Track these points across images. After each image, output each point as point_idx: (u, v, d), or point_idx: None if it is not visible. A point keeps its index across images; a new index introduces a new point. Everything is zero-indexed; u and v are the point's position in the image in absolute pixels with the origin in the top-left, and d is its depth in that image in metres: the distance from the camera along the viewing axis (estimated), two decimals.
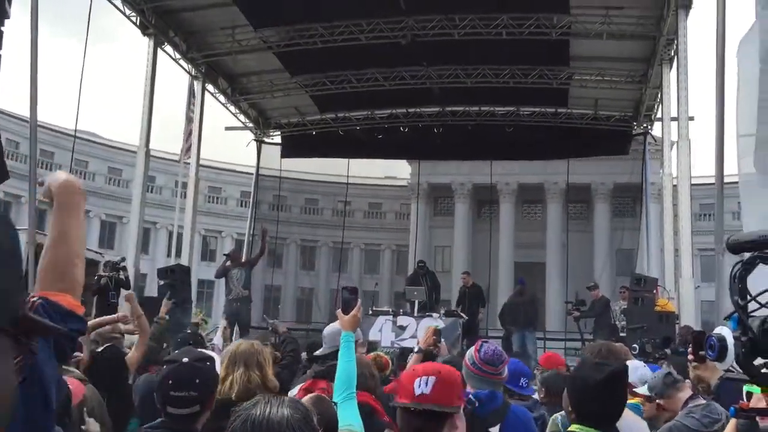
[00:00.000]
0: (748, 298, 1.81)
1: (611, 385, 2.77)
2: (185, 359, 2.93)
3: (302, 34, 15.76)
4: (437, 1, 14.60)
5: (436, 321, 13.64)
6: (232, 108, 19.38)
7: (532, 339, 14.20)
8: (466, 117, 19.14)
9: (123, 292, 13.49)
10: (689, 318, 12.39)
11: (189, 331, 6.03)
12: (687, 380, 4.11)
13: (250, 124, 20.39)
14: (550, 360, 6.20)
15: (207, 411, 2.91)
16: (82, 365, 4.54)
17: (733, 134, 10.06)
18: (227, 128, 20.84)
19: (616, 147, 19.36)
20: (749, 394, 2.20)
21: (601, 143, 19.32)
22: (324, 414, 2.95)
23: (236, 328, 13.45)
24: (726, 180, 12.96)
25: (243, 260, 14.40)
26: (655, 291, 13.18)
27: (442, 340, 14.10)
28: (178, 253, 19.99)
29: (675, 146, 14.22)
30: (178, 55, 16.47)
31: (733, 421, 2.46)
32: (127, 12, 14.86)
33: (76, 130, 17.50)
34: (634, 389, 4.69)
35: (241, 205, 44.56)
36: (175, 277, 13.99)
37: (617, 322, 13.93)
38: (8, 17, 3.97)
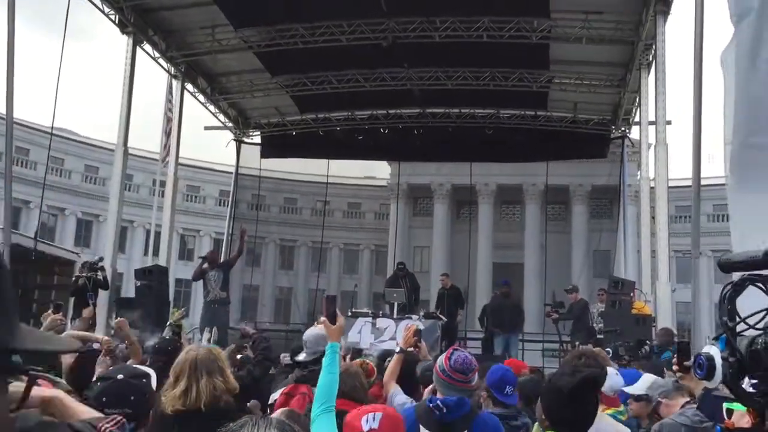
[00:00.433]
0: (737, 319, 1.83)
1: (583, 392, 2.79)
2: (120, 376, 2.91)
3: (283, 35, 15.69)
4: (418, 3, 14.62)
5: (414, 323, 13.67)
6: (211, 107, 19.25)
7: (515, 342, 14.26)
8: (446, 119, 19.20)
9: (101, 292, 13.42)
10: (666, 321, 12.51)
11: (166, 336, 5.95)
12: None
13: (230, 124, 20.27)
14: (513, 365, 6.18)
15: (142, 428, 2.89)
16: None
17: (709, 138, 10.16)
18: (206, 128, 20.69)
19: (594, 150, 19.53)
20: (729, 411, 2.23)
21: (580, 146, 19.47)
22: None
23: (215, 330, 13.38)
24: (702, 182, 13.16)
25: (220, 261, 14.29)
26: (632, 294, 13.31)
27: (422, 340, 14.14)
28: (156, 253, 19.82)
29: (652, 149, 14.38)
30: (157, 54, 16.32)
31: None
32: (106, 10, 14.69)
33: (52, 128, 17.30)
34: (624, 389, 4.73)
35: (220, 204, 44.32)
36: (153, 278, 13.88)
37: (595, 325, 14.05)
38: None
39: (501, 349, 13.90)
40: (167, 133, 19.21)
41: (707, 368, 1.85)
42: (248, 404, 5.18)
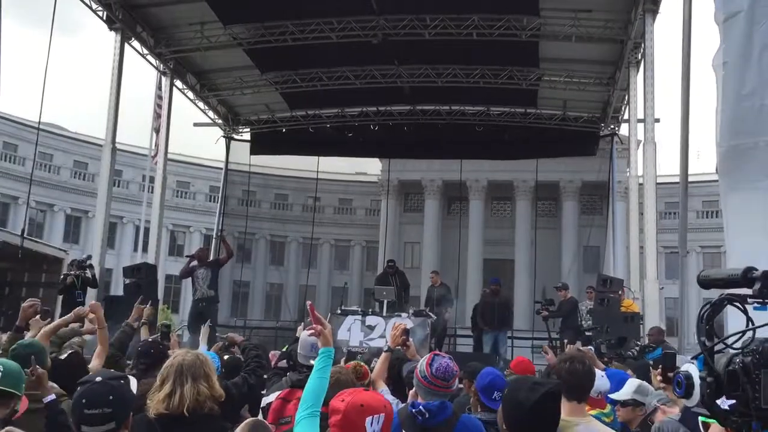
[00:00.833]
0: (715, 340, 1.85)
1: (544, 405, 2.82)
2: (98, 378, 2.95)
3: (272, 32, 15.63)
4: (408, 1, 14.60)
5: (404, 321, 13.69)
6: (200, 104, 19.16)
7: (504, 339, 14.29)
8: (436, 116, 19.19)
9: (89, 290, 13.36)
10: (654, 318, 12.57)
11: (150, 338, 5.92)
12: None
13: (219, 121, 20.19)
14: (521, 365, 6.18)
15: (124, 429, 2.91)
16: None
17: (698, 135, 10.24)
18: (196, 124, 20.62)
19: (584, 148, 19.57)
20: (705, 425, 2.25)
21: (570, 144, 19.51)
22: None
23: (203, 328, 13.34)
24: (689, 179, 13.18)
25: (209, 259, 14.22)
26: (621, 292, 13.37)
27: (411, 338, 14.14)
28: (145, 249, 19.77)
29: (641, 147, 14.44)
30: (145, 51, 16.24)
31: None
32: (94, 6, 14.60)
33: (39, 122, 17.16)
34: (611, 396, 4.73)
35: (210, 200, 44.23)
36: (141, 276, 13.83)
37: (583, 322, 14.11)
38: None
39: (489, 347, 13.93)
40: (156, 130, 19.14)
41: (685, 387, 1.87)
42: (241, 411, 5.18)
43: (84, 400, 2.83)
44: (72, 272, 13.09)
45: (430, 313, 14.18)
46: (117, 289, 22.87)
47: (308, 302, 3.59)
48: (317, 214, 40.66)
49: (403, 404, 4.13)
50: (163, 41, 16.30)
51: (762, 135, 9.16)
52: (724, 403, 1.81)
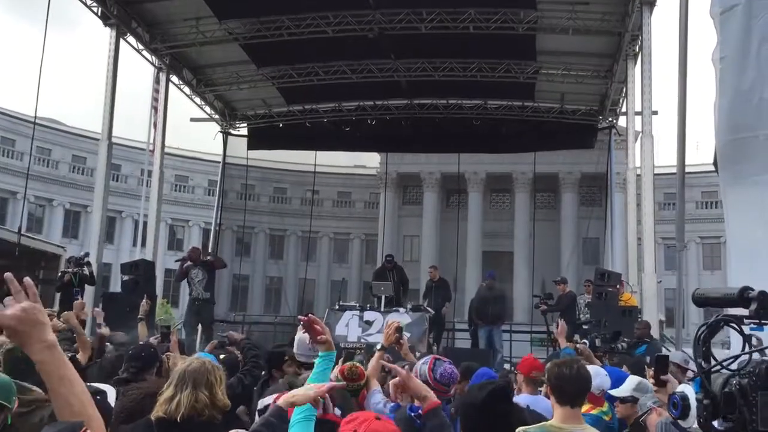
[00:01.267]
0: (712, 362, 1.82)
1: (493, 404, 2.82)
2: None
3: (268, 26, 15.57)
4: None
5: (402, 316, 13.68)
6: (197, 99, 19.09)
7: (498, 333, 14.25)
8: (433, 110, 19.14)
9: (87, 287, 13.34)
10: (651, 312, 12.60)
11: (143, 343, 5.90)
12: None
13: (216, 116, 20.13)
14: (526, 364, 6.08)
15: None
16: None
17: (697, 127, 10.17)
18: (192, 120, 20.58)
19: (582, 140, 19.53)
20: None
21: (567, 137, 19.46)
22: None
23: (199, 327, 13.39)
24: (688, 170, 13.14)
25: (202, 259, 14.11)
26: (619, 285, 13.36)
27: (407, 335, 14.13)
28: (144, 243, 19.76)
29: (639, 139, 14.41)
30: (140, 46, 16.18)
31: None
32: (88, 2, 14.53)
33: (35, 117, 17.11)
34: (610, 392, 4.71)
35: (209, 194, 44.14)
36: (139, 272, 13.78)
37: (582, 316, 14.11)
38: None
39: (484, 342, 13.90)
40: (154, 125, 19.11)
41: (681, 408, 1.85)
42: (236, 411, 5.16)
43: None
44: (69, 270, 13.07)
45: (428, 308, 14.18)
46: (116, 283, 22.87)
47: (303, 318, 3.55)
48: (316, 208, 40.62)
49: (393, 403, 4.12)
50: (159, 37, 16.23)
51: (761, 129, 9.12)
52: (721, 424, 1.78)
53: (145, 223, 22.25)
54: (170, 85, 17.76)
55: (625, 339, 9.14)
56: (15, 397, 3.62)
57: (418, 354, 11.75)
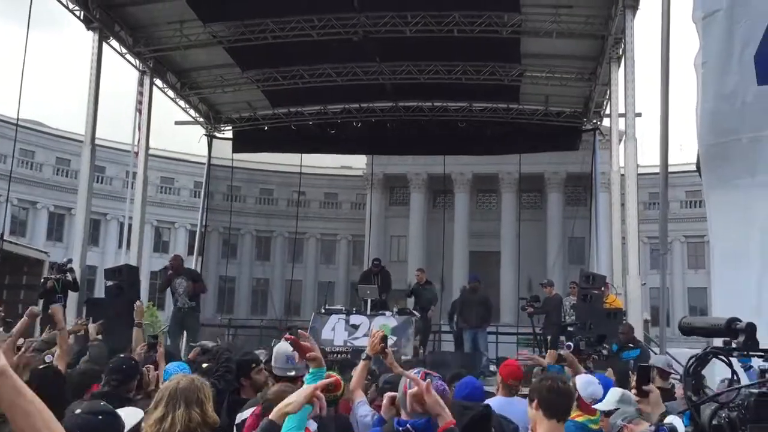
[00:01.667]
0: (701, 395, 1.82)
1: (473, 429, 2.82)
2: (78, 411, 2.91)
3: (252, 29, 15.52)
4: None
5: (388, 319, 13.69)
6: (181, 103, 19.00)
7: (483, 336, 14.31)
8: (419, 112, 19.16)
9: (71, 293, 13.24)
10: (636, 315, 12.67)
11: (122, 356, 5.85)
12: None
13: (201, 119, 20.04)
14: (507, 369, 6.08)
15: None
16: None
17: (681, 127, 10.18)
18: (177, 123, 20.48)
19: (566, 142, 19.62)
20: None
21: (552, 139, 19.56)
22: None
23: (184, 336, 13.31)
24: (672, 170, 13.24)
25: (185, 267, 14.04)
26: (604, 287, 13.43)
27: (393, 338, 14.06)
28: (129, 246, 19.63)
29: (623, 141, 14.49)
30: (124, 50, 16.07)
31: None
32: (71, 6, 14.41)
33: (18, 119, 16.92)
34: (594, 406, 4.72)
35: (195, 196, 43.92)
36: (123, 278, 13.66)
37: (567, 318, 14.19)
38: None
39: (469, 345, 13.93)
40: (138, 128, 19.00)
41: None
42: None
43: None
44: (52, 276, 12.99)
45: (414, 312, 14.20)
46: (102, 286, 22.73)
47: (289, 337, 3.54)
48: (303, 209, 40.48)
49: (378, 414, 4.11)
50: (142, 40, 16.13)
51: (744, 132, 9.19)
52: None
53: (130, 226, 22.14)
54: (154, 88, 17.66)
55: (605, 345, 9.18)
56: None
57: (403, 358, 11.80)
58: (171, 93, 18.37)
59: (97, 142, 15.67)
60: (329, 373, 5.12)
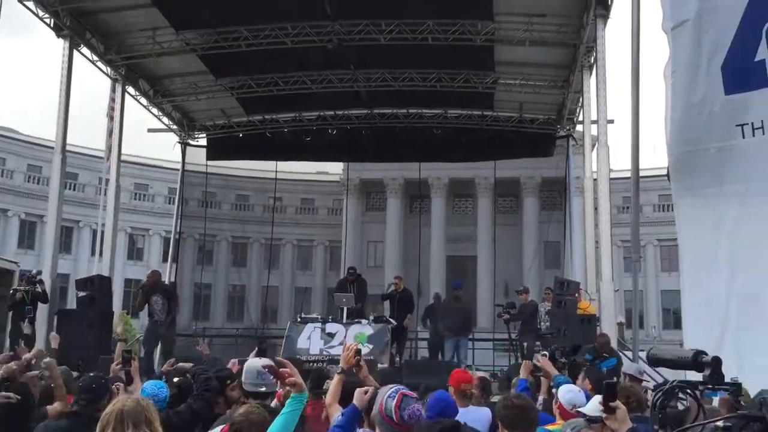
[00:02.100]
0: (668, 429, 1.84)
1: None
2: None
3: (226, 37, 15.43)
4: (362, 6, 14.50)
5: (364, 327, 13.65)
6: (154, 110, 18.81)
7: (465, 344, 14.33)
8: (394, 119, 19.20)
9: (40, 305, 13.04)
10: (610, 321, 12.77)
11: (93, 374, 5.77)
12: None
13: (174, 126, 19.86)
14: (455, 377, 6.10)
15: None
16: None
17: (653, 131, 10.26)
18: (150, 130, 20.26)
19: (540, 149, 19.74)
20: None
21: (527, 145, 19.68)
22: None
23: (159, 347, 13.20)
24: (645, 174, 13.41)
25: (161, 283, 13.93)
26: (577, 294, 13.54)
27: (369, 346, 13.99)
28: (102, 254, 19.38)
29: (596, 149, 14.61)
30: (95, 57, 15.87)
31: None
32: (40, 13, 14.21)
33: None
34: (578, 409, 4.74)
35: (169, 202, 43.52)
36: (95, 288, 13.51)
37: (542, 324, 14.27)
38: None
39: (451, 353, 13.94)
40: (110, 134, 18.78)
41: None
42: None
43: None
44: (22, 287, 12.79)
45: (390, 320, 14.16)
46: (74, 294, 22.44)
47: (269, 365, 3.55)
48: (279, 215, 40.32)
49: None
50: (114, 47, 15.95)
51: (711, 142, 9.33)
52: None
53: (103, 233, 21.87)
54: (127, 95, 17.48)
55: (581, 355, 9.23)
56: None
57: (380, 366, 11.77)
58: (144, 101, 18.19)
59: (69, 148, 15.48)
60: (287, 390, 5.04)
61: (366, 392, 4.05)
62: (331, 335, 13.67)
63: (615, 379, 8.56)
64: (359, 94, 18.00)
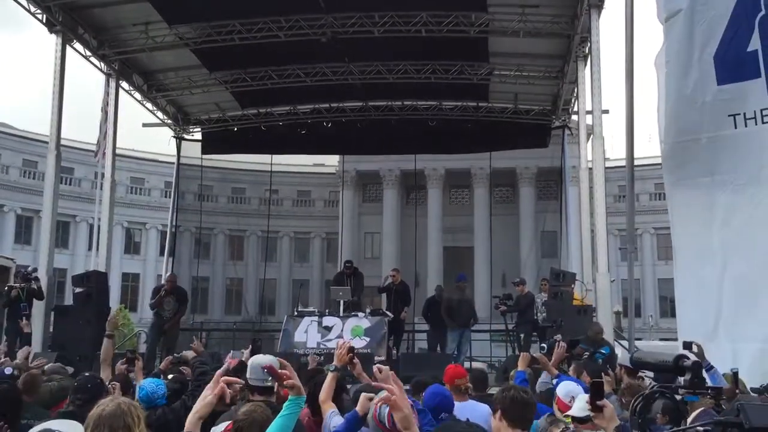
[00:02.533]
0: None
1: None
2: None
3: (219, 31, 15.37)
4: None
5: (361, 320, 13.70)
6: (149, 105, 18.75)
7: (468, 336, 14.34)
8: (389, 111, 19.14)
9: (36, 302, 13.04)
10: (606, 311, 12.80)
11: (88, 374, 5.78)
12: None
13: (169, 121, 19.80)
14: (449, 373, 6.13)
15: None
16: None
17: (649, 120, 10.26)
18: (145, 125, 20.17)
19: (536, 140, 19.70)
20: None
21: (522, 136, 19.65)
22: None
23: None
24: (641, 162, 13.42)
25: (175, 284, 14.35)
26: (573, 285, 13.57)
27: (366, 339, 13.99)
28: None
29: (590, 140, 14.61)
30: (88, 53, 15.79)
31: None
32: (32, 9, 14.14)
33: None
34: (567, 413, 4.76)
35: (166, 196, 43.43)
36: (91, 284, 13.50)
37: (539, 315, 14.30)
38: None
39: (454, 345, 13.92)
40: (100, 129, 18.71)
41: None
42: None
43: None
44: (17, 284, 12.79)
45: (387, 312, 14.19)
46: (71, 289, 22.45)
47: (267, 366, 3.56)
48: (276, 207, 40.32)
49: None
50: (107, 43, 15.87)
51: (703, 132, 9.36)
52: None
53: (100, 227, 21.84)
54: (121, 90, 17.41)
55: (582, 345, 9.28)
56: None
57: (377, 359, 11.79)
58: (138, 95, 18.12)
59: (65, 143, 15.41)
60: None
61: (371, 399, 4.07)
62: (328, 329, 13.71)
63: (608, 366, 8.63)
64: (354, 87, 17.94)
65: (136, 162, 43.42)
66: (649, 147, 28.90)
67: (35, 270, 13.25)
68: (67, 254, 40.97)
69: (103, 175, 18.97)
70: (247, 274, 43.01)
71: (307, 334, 13.76)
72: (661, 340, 33.76)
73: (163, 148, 35.10)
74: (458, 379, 5.90)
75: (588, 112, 14.85)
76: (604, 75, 13.86)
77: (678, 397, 1.92)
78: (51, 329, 13.63)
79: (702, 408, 4.10)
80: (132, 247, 45.35)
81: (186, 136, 20.44)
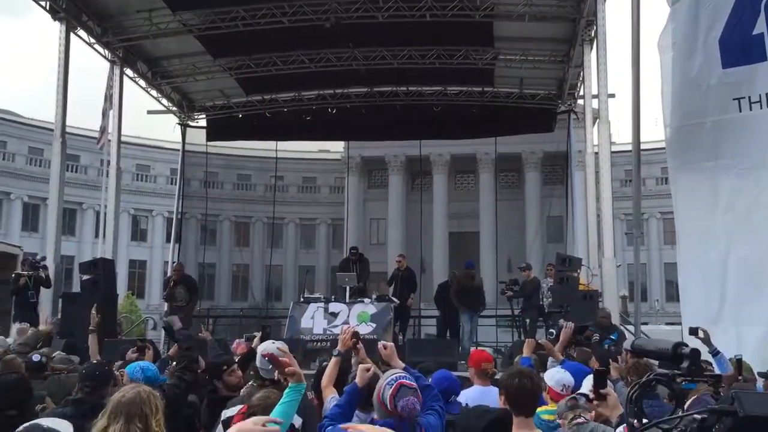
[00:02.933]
0: (644, 421, 1.85)
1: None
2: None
3: (223, 17, 15.32)
4: None
5: (367, 306, 13.73)
6: (153, 92, 18.75)
7: (476, 321, 14.41)
8: (394, 97, 19.07)
9: (44, 290, 13.13)
10: (612, 297, 12.83)
11: (95, 361, 5.84)
12: None
13: (174, 108, 19.80)
14: (474, 358, 6.18)
15: None
16: None
17: (656, 103, 10.23)
18: (149, 112, 20.21)
19: (541, 124, 19.61)
20: None
21: (528, 121, 19.57)
22: None
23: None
24: (648, 146, 13.35)
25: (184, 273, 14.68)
26: (579, 270, 13.55)
27: (372, 325, 14.04)
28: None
29: (597, 124, 14.56)
30: (92, 40, 15.79)
31: None
32: None
33: None
34: (580, 392, 4.78)
35: (172, 183, 43.50)
36: (98, 271, 13.55)
37: (545, 300, 14.31)
38: None
39: (469, 326, 14.00)
40: (107, 116, 18.74)
41: None
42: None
43: None
44: (25, 272, 12.86)
45: (393, 298, 14.23)
46: (79, 276, 22.58)
47: (267, 354, 3.59)
48: (281, 194, 40.33)
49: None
50: (111, 30, 15.85)
51: (708, 116, 9.32)
52: None
53: (106, 215, 21.91)
54: (125, 77, 17.42)
55: (592, 328, 9.30)
56: None
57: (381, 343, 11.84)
58: (142, 82, 18.12)
59: (71, 130, 15.43)
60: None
61: (368, 369, 4.10)
62: (335, 315, 13.74)
63: (609, 359, 8.64)
64: (358, 73, 17.87)
65: (142, 149, 43.48)
66: (656, 131, 28.73)
67: (44, 258, 13.33)
68: (74, 241, 41.16)
69: (108, 162, 19.05)
70: (253, 260, 43.10)
71: (313, 320, 13.79)
72: (668, 324, 33.71)
73: (169, 135, 35.09)
74: (485, 363, 5.92)
75: (594, 97, 14.79)
76: (610, 59, 13.83)
77: (675, 386, 1.92)
78: (59, 316, 13.69)
79: (695, 395, 4.13)
80: (138, 234, 45.54)
81: (191, 123, 20.45)
